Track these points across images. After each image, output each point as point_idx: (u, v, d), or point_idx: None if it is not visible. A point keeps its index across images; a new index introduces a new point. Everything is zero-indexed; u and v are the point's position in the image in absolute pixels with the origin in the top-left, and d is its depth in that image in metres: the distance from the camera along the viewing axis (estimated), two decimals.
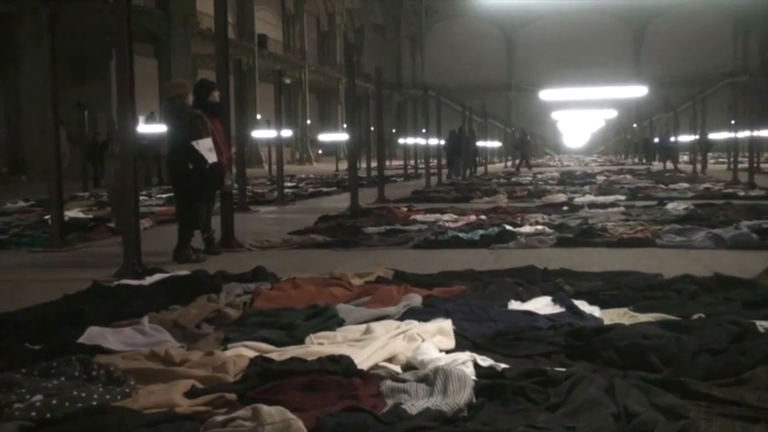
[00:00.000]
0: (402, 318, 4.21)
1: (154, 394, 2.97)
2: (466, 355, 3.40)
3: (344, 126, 37.08)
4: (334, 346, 3.71)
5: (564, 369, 3.24)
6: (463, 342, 3.74)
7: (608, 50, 60.65)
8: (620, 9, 60.50)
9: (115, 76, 7.09)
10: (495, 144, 45.29)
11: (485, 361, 3.37)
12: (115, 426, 2.65)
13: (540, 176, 23.44)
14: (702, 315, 4.11)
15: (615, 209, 11.10)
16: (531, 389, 2.94)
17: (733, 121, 23.57)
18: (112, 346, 3.78)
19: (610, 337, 3.56)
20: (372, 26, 60.65)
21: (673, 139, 30.71)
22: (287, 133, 32.73)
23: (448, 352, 3.55)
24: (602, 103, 61.97)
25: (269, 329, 4.00)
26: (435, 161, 21.85)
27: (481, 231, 8.37)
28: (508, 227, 8.58)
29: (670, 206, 10.97)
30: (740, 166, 18.83)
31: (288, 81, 43.54)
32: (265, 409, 2.60)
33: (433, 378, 3.02)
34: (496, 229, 8.39)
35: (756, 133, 19.73)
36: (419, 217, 10.35)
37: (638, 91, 58.87)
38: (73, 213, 11.19)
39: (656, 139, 36.67)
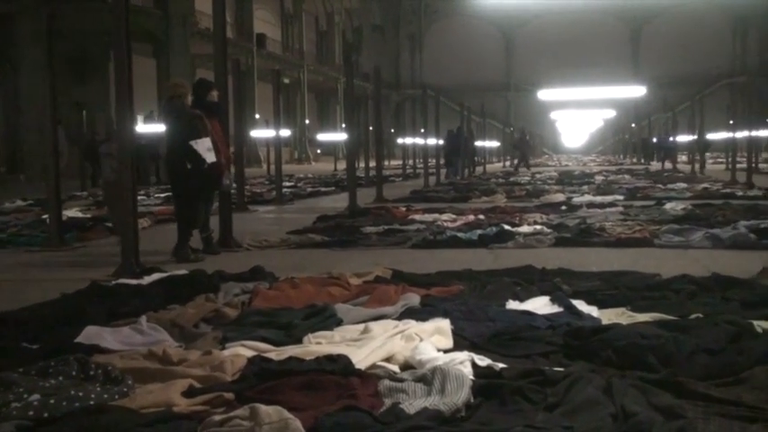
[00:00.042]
0: (400, 317, 4.21)
1: (152, 394, 2.97)
2: (464, 355, 3.40)
3: (343, 126, 37.09)
4: (333, 345, 3.71)
5: (562, 369, 3.25)
6: (461, 342, 3.74)
7: (606, 50, 60.68)
8: (619, 9, 60.54)
9: (114, 76, 7.08)
10: (494, 144, 45.32)
11: (483, 361, 3.37)
12: (113, 425, 2.65)
13: (538, 176, 23.45)
14: (700, 315, 4.12)
15: (613, 209, 11.10)
16: (529, 389, 2.94)
17: (731, 122, 23.57)
18: (110, 345, 3.78)
19: (608, 337, 3.56)
20: (371, 26, 60.65)
21: (672, 139, 30.73)
22: (285, 133, 32.70)
23: (446, 351, 3.56)
24: (601, 103, 62.00)
25: (267, 329, 4.00)
26: (434, 161, 21.86)
27: (479, 231, 8.37)
28: (506, 227, 8.58)
29: (668, 206, 10.98)
30: (738, 166, 18.84)
31: (286, 81, 43.52)
32: (263, 408, 2.60)
33: (430, 378, 3.02)
34: (495, 229, 8.39)
35: (754, 133, 19.77)
36: (417, 217, 10.35)
37: (637, 91, 58.91)
38: (71, 213, 11.18)
39: (655, 139, 36.70)
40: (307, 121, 48.38)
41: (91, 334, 3.89)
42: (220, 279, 5.48)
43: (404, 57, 64.48)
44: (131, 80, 6.72)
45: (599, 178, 21.31)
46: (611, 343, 3.48)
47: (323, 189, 18.44)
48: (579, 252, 7.31)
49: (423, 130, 21.71)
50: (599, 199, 13.19)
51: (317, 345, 3.74)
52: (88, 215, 11.22)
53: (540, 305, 4.51)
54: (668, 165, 29.80)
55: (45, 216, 9.73)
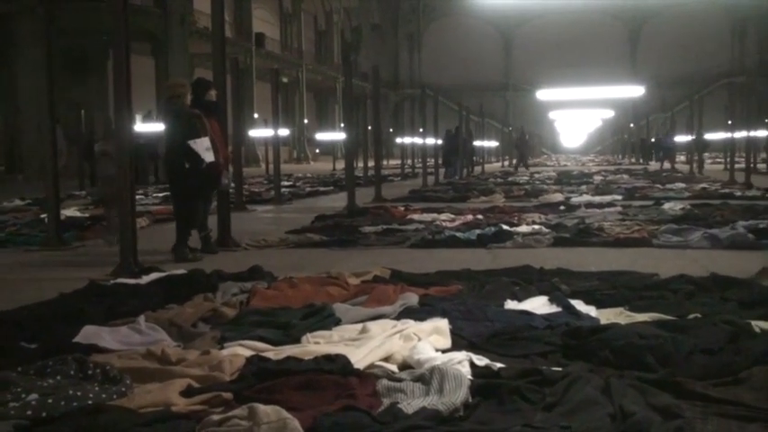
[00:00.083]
0: (398, 317, 4.21)
1: (150, 393, 2.97)
2: (462, 355, 3.40)
3: (342, 125, 37.09)
4: (331, 345, 3.71)
5: (560, 369, 3.25)
6: (459, 341, 3.74)
7: (605, 50, 60.72)
8: (617, 9, 60.57)
9: (112, 75, 7.08)
10: (493, 144, 45.34)
11: (481, 360, 3.37)
12: (111, 425, 2.65)
13: (537, 176, 23.46)
14: (698, 315, 4.12)
15: (612, 209, 11.11)
16: (527, 388, 2.94)
17: (730, 122, 23.59)
18: (109, 345, 3.77)
19: (606, 337, 3.56)
20: (370, 25, 60.62)
21: (674, 138, 30.74)
22: (284, 132, 32.68)
23: (444, 351, 3.56)
24: (600, 103, 62.05)
25: (265, 329, 4.00)
26: (432, 161, 21.86)
27: (478, 231, 8.37)
28: (505, 226, 8.59)
29: (667, 206, 10.98)
30: (737, 166, 18.85)
31: (285, 80, 43.50)
32: (261, 408, 2.60)
33: (429, 377, 3.03)
34: (493, 229, 8.39)
35: (753, 133, 19.78)
36: (416, 216, 10.35)
37: (635, 91, 58.97)
38: (69, 212, 11.16)
39: (657, 138, 36.68)
40: (305, 121, 48.38)
41: (89, 333, 3.88)
42: (219, 278, 5.48)
43: (402, 56, 64.51)
44: (130, 79, 6.72)
45: (597, 178, 21.31)
46: (609, 343, 3.48)
47: (321, 188, 18.44)
48: (577, 252, 7.32)
49: (421, 130, 21.72)
50: (597, 199, 13.19)
51: (316, 344, 3.74)
52: (87, 215, 11.21)
53: (539, 305, 4.51)
54: (667, 165, 29.81)
55: (43, 215, 9.72)
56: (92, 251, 8.15)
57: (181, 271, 5.86)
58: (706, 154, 30.01)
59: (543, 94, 61.43)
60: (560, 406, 2.77)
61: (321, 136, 49.66)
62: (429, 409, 2.74)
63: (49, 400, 2.80)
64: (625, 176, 22.24)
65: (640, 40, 62.12)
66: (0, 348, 3.70)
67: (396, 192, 16.40)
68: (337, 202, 13.77)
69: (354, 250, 7.77)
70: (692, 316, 4.11)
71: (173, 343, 3.86)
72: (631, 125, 51.13)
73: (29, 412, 2.73)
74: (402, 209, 11.64)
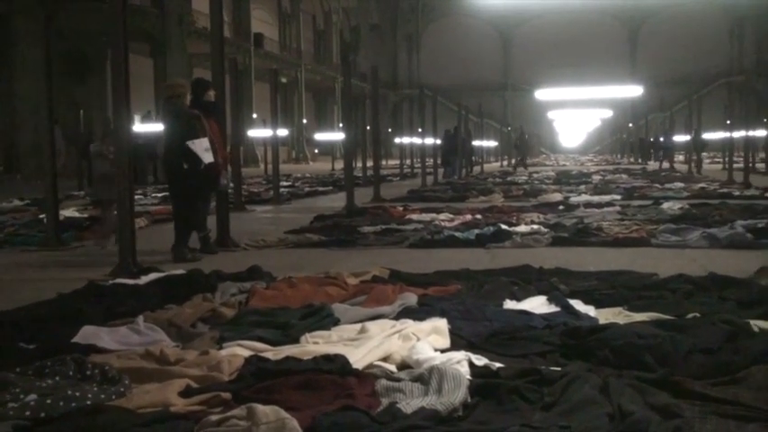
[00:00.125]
0: (397, 317, 4.21)
1: (149, 394, 2.97)
2: (461, 355, 3.40)
3: (341, 125, 37.09)
4: (330, 345, 3.71)
5: (559, 368, 3.25)
6: (458, 341, 3.74)
7: (604, 50, 60.73)
8: (616, 8, 60.58)
9: (111, 76, 7.07)
10: (491, 143, 45.35)
11: (480, 360, 3.37)
12: (110, 425, 2.65)
13: (535, 176, 23.46)
14: (697, 314, 4.12)
15: (611, 208, 11.12)
16: (526, 388, 2.94)
17: (728, 121, 23.61)
18: (107, 345, 3.77)
19: (605, 337, 3.57)
20: (369, 25, 60.61)
21: (674, 138, 30.78)
22: (283, 132, 32.70)
23: (443, 351, 3.56)
24: (598, 103, 62.06)
25: (264, 329, 4.00)
26: (431, 160, 21.85)
27: (477, 230, 8.37)
28: (504, 226, 8.59)
29: (665, 206, 10.99)
30: (735, 165, 18.87)
31: (284, 80, 43.51)
32: (260, 408, 2.60)
33: (427, 377, 3.03)
34: (492, 229, 8.39)
35: (751, 133, 19.79)
36: (415, 216, 10.35)
37: (634, 90, 58.99)
38: (68, 212, 11.16)
39: (655, 138, 36.68)
40: (304, 121, 48.37)
41: (88, 334, 3.88)
42: (218, 279, 5.48)
43: (401, 56, 64.50)
44: (128, 79, 6.72)
45: (596, 178, 21.32)
46: (607, 342, 3.48)
47: (320, 189, 18.44)
48: (576, 252, 7.32)
49: (420, 130, 21.75)
50: (596, 198, 13.20)
51: (315, 344, 3.74)
52: (85, 215, 11.21)
53: (538, 305, 4.51)
54: (665, 164, 29.83)
55: (42, 216, 9.72)
56: (90, 251, 8.14)
57: (180, 271, 5.86)
58: (704, 153, 30.03)
59: (542, 94, 61.44)
60: (559, 405, 2.78)
61: (320, 136, 49.67)
62: (428, 408, 2.74)
63: (48, 401, 2.80)
64: (624, 176, 22.26)
65: (639, 40, 62.14)
66: None
67: (394, 192, 16.41)
68: (336, 202, 13.77)
69: (353, 250, 7.77)
70: (690, 315, 4.11)
71: (171, 343, 3.86)
72: (630, 125, 51.16)
73: (27, 413, 2.72)
74: (401, 209, 11.65)
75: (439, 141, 24.51)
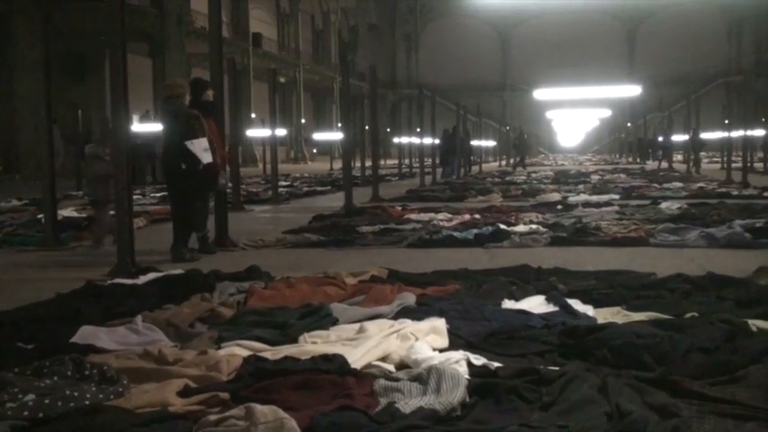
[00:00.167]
0: (396, 317, 4.21)
1: (147, 393, 2.97)
2: (459, 354, 3.40)
3: (339, 125, 37.07)
4: (328, 345, 3.71)
5: (557, 368, 3.25)
6: (457, 341, 3.74)
7: (602, 50, 60.73)
8: (614, 8, 60.57)
9: (109, 75, 7.07)
10: (490, 143, 45.35)
11: (478, 360, 3.37)
12: (108, 425, 2.65)
13: (534, 175, 23.47)
14: (695, 314, 4.12)
15: (609, 208, 11.13)
16: (525, 388, 2.94)
17: (727, 121, 23.61)
18: (106, 345, 3.77)
19: (603, 336, 3.57)
20: (367, 25, 60.57)
21: (672, 137, 30.78)
22: (281, 132, 32.71)
23: (441, 351, 3.56)
24: (597, 103, 62.05)
25: (263, 328, 4.00)
26: (430, 160, 21.84)
27: (475, 230, 8.37)
28: (502, 226, 8.59)
29: (664, 205, 11.00)
30: (734, 165, 18.87)
31: (282, 80, 43.49)
32: (258, 408, 2.60)
33: (426, 377, 3.03)
34: (491, 228, 8.39)
35: (750, 133, 19.78)
36: (413, 216, 10.35)
37: (632, 90, 58.99)
38: (66, 212, 11.16)
39: (654, 138, 36.68)
40: (303, 121, 48.34)
41: (86, 334, 3.88)
42: (216, 278, 5.48)
43: (400, 56, 64.46)
44: (126, 79, 6.72)
45: (595, 177, 21.33)
46: (606, 342, 3.48)
47: (319, 188, 18.44)
48: (575, 251, 7.32)
49: (419, 130, 21.70)
50: (595, 198, 13.20)
51: (313, 344, 3.74)
52: (84, 215, 11.20)
53: (536, 304, 4.51)
54: (664, 164, 29.84)
55: (40, 216, 9.71)
56: (89, 251, 8.14)
57: (178, 271, 5.85)
58: (703, 153, 30.05)
59: (540, 94, 61.42)
60: (557, 405, 2.78)
61: (318, 136, 49.63)
62: (426, 408, 2.74)
63: (46, 401, 2.79)
64: (622, 176, 22.27)
65: (637, 40, 62.14)
66: None
67: (393, 191, 16.40)
68: (335, 201, 13.76)
69: (352, 250, 7.77)
70: (688, 315, 4.11)
71: (170, 343, 3.86)
72: (628, 125, 51.15)
73: (26, 413, 2.72)
74: (399, 208, 11.65)
75: (437, 141, 24.52)
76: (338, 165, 28.23)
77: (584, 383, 2.91)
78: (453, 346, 3.66)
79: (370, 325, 3.95)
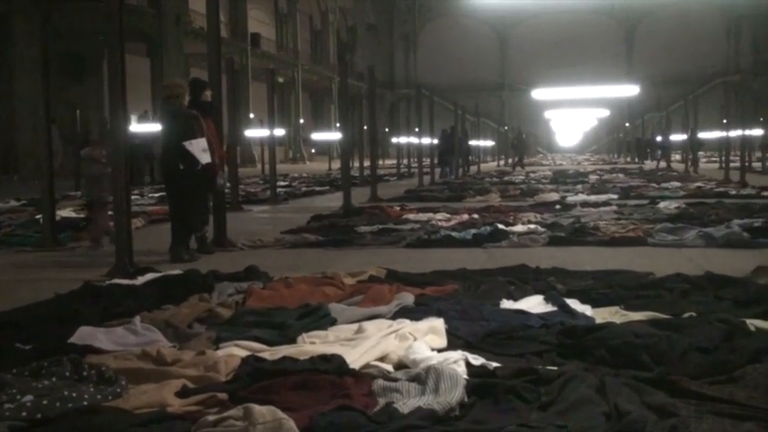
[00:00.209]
0: (394, 317, 4.21)
1: (145, 394, 2.97)
2: (458, 354, 3.40)
3: (337, 125, 37.07)
4: (327, 345, 3.71)
5: (555, 368, 3.25)
6: (455, 341, 3.74)
7: (600, 49, 60.75)
8: (613, 8, 60.61)
9: (107, 76, 7.07)
10: (488, 143, 45.36)
11: (476, 360, 3.37)
12: (106, 426, 2.65)
13: (532, 175, 23.47)
14: (693, 314, 4.13)
15: (607, 208, 11.13)
16: (523, 387, 2.95)
17: (725, 121, 23.64)
18: (104, 345, 3.77)
19: (601, 336, 3.57)
20: (365, 25, 60.56)
21: (671, 137, 30.82)
22: (280, 132, 32.66)
23: (440, 351, 3.56)
24: (595, 102, 62.08)
25: (261, 329, 4.00)
26: (428, 160, 21.84)
27: (474, 230, 8.38)
28: (501, 226, 8.59)
29: (662, 205, 11.01)
30: (732, 165, 18.89)
31: (281, 80, 43.48)
32: (257, 408, 2.60)
33: (424, 377, 3.03)
34: (489, 228, 8.40)
35: (748, 132, 19.80)
36: (412, 216, 10.36)
37: (631, 90, 59.03)
38: (65, 213, 11.14)
39: (652, 138, 36.71)
40: (301, 121, 48.34)
41: (84, 334, 3.88)
42: (214, 279, 5.47)
43: (398, 56, 64.46)
44: (125, 80, 6.72)
45: (593, 177, 21.34)
46: (604, 342, 3.49)
47: (317, 188, 18.44)
48: (573, 251, 7.32)
49: (417, 130, 21.70)
50: (593, 198, 13.21)
51: (311, 344, 3.74)
52: (82, 215, 11.19)
53: (534, 304, 4.51)
54: (662, 164, 29.86)
55: (38, 216, 9.71)
56: (87, 252, 8.13)
57: (176, 271, 5.85)
58: (701, 153, 30.07)
59: (539, 94, 61.45)
60: (556, 405, 2.78)
61: (317, 136, 49.61)
62: (425, 408, 2.74)
63: (44, 402, 2.79)
64: (620, 175, 22.28)
65: (635, 40, 62.16)
66: None
67: (391, 191, 16.40)
68: (333, 201, 13.76)
69: (350, 250, 7.77)
70: (687, 315, 4.11)
71: (168, 343, 3.86)
72: (627, 124, 51.22)
73: (24, 413, 2.72)
74: (398, 208, 11.64)
75: (436, 141, 24.51)
76: (336, 165, 28.24)
77: (582, 383, 2.91)
78: (452, 346, 3.66)
79: (368, 325, 3.95)
